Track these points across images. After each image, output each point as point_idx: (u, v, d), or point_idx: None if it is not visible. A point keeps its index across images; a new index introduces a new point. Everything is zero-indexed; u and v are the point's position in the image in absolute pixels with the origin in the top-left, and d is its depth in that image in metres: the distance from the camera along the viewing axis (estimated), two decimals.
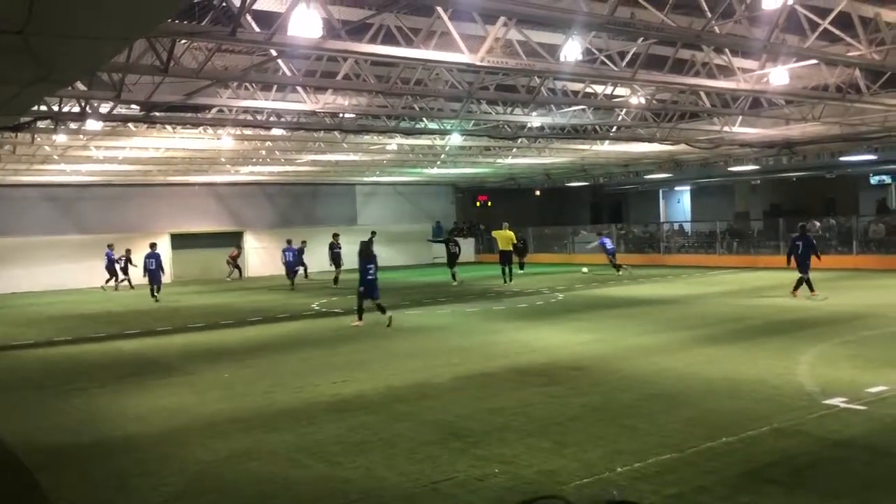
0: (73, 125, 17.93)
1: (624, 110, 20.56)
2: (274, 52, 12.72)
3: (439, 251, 40.22)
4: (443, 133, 22.60)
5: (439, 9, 10.75)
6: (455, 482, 5.91)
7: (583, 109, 20.13)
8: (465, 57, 11.41)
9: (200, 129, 20.42)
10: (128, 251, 29.21)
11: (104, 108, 16.05)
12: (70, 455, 7.17)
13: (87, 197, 32.49)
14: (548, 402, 8.39)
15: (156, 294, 23.46)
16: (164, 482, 6.22)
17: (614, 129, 23.29)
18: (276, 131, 20.85)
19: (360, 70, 14.96)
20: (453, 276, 26.03)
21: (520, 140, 24.41)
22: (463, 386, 9.45)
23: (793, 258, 17.96)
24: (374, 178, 37.62)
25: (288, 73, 14.26)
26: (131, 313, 20.34)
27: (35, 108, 13.90)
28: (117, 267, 29.12)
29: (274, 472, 6.37)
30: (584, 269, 28.82)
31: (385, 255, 32.01)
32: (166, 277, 32.07)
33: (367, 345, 13.22)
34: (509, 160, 30.77)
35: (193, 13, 11.52)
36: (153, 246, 24.73)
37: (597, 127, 22.89)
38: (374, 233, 26.28)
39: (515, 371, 10.26)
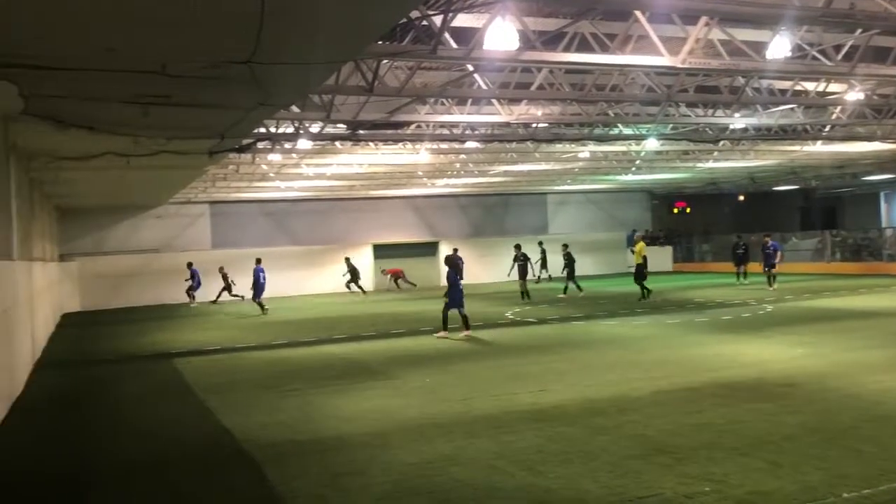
0: (287, 145, 19.40)
1: (839, 108, 19.08)
2: (470, 67, 13.06)
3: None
4: (638, 138, 22.08)
5: (637, 13, 10.55)
6: (661, 499, 5.72)
7: (792, 108, 18.93)
8: (664, 60, 11.10)
9: (400, 144, 21.33)
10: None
11: (315, 128, 17.24)
12: (290, 451, 7.69)
13: (298, 211, 35.26)
14: (759, 420, 7.91)
15: (264, 307, 24.61)
16: (373, 482, 6.51)
17: (828, 128, 21.63)
18: (470, 144, 21.34)
19: (553, 79, 14.98)
20: (569, 288, 25.78)
21: (721, 143, 23.28)
22: (665, 400, 9.14)
23: None
24: (566, 187, 37.42)
25: (483, 87, 14.57)
26: (336, 319, 21.57)
27: (255, 130, 15.14)
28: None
29: (476, 477, 6.48)
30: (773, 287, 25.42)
31: (577, 262, 31.63)
32: (369, 285, 33.88)
33: (560, 355, 13.15)
34: (710, 164, 29.43)
35: (395, 34, 12.12)
36: (259, 261, 25.55)
37: (808, 126, 21.39)
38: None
39: (721, 386, 9.77)
